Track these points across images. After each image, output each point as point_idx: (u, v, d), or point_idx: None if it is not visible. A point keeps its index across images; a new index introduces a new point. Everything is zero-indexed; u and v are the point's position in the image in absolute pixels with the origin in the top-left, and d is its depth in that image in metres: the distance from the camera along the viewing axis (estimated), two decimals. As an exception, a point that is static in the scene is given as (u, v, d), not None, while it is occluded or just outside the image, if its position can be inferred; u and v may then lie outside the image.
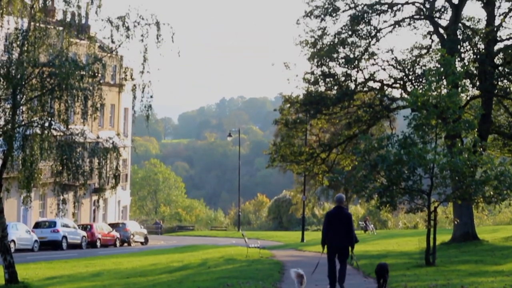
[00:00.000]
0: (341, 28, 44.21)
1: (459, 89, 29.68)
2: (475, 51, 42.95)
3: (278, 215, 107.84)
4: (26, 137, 24.43)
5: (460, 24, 43.16)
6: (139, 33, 25.49)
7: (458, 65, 38.91)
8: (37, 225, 55.40)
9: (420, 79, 42.18)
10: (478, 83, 42.68)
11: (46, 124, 24.19)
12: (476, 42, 42.87)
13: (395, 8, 44.20)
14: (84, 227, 59.96)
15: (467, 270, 26.12)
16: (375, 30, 44.22)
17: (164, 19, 32.09)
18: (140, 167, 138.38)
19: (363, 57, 44.13)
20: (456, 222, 39.99)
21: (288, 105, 47.20)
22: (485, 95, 42.56)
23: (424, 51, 45.12)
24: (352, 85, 44.67)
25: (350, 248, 20.57)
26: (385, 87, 45.28)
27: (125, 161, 72.43)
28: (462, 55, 42.40)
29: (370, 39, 44.34)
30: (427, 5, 44.11)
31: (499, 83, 43.56)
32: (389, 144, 28.85)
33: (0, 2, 24.67)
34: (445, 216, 71.99)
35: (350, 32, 44.07)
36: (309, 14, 44.83)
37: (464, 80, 32.70)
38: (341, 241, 20.43)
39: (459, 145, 30.04)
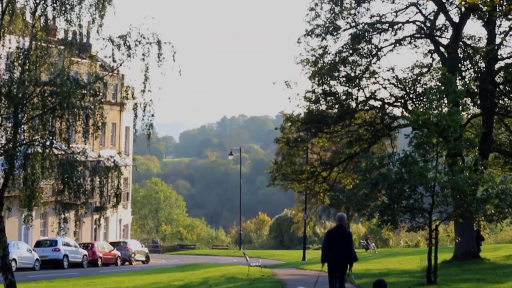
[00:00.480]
0: (342, 47, 44.29)
1: (460, 107, 29.66)
2: (476, 69, 43.00)
3: (280, 233, 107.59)
4: (28, 156, 24.41)
5: (460, 43, 43.24)
6: (140, 52, 25.52)
7: (459, 83, 38.93)
8: (38, 244, 55.28)
9: (421, 98, 42.20)
10: (479, 102, 42.72)
11: (48, 143, 24.17)
12: (477, 60, 42.93)
13: (396, 27, 44.31)
14: (85, 246, 59.85)
15: (469, 288, 26.08)
16: (376, 49, 44.29)
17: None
18: (141, 186, 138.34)
19: (364, 76, 44.19)
20: (457, 241, 39.94)
21: (289, 123, 47.17)
22: (486, 113, 42.59)
23: (425, 70, 45.21)
24: (353, 104, 44.69)
25: (348, 266, 20.62)
26: (386, 106, 45.31)
27: (126, 179, 72.33)
28: (463, 73, 42.46)
29: (371, 58, 44.41)
30: (428, 24, 44.20)
31: (500, 101, 43.58)
32: (390, 163, 28.82)
33: (2, 21, 24.74)
34: (447, 234, 71.97)
35: (351, 51, 44.13)
36: (310, 33, 44.91)
37: (465, 99, 32.66)
38: (341, 260, 20.48)
39: (460, 163, 30.04)
